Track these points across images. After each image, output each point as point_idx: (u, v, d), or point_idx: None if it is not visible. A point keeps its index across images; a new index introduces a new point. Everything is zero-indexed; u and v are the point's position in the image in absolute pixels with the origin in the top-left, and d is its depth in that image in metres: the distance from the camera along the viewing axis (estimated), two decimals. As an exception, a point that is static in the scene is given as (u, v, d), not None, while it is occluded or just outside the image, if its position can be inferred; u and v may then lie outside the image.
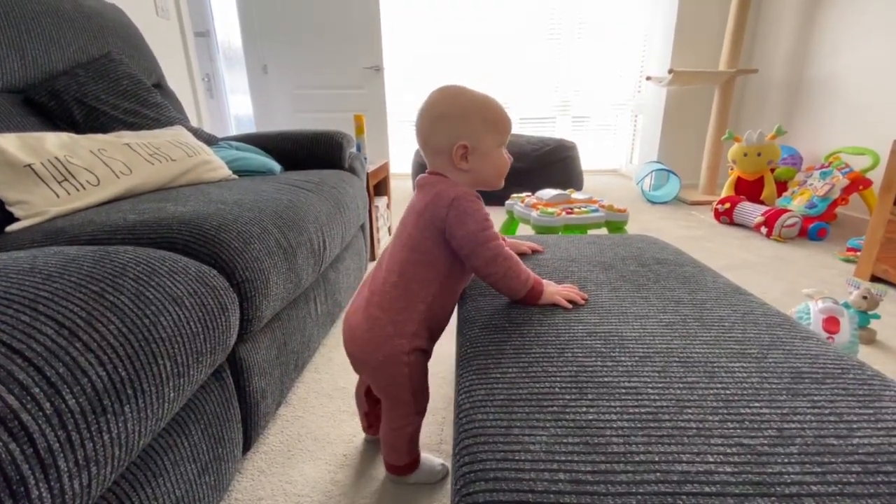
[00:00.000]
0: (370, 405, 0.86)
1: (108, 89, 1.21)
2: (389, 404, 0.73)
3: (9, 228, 0.80)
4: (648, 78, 3.16)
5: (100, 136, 1.02)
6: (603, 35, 3.97)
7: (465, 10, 3.89)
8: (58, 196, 0.86)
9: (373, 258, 1.91)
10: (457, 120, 0.64)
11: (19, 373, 0.37)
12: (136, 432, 0.46)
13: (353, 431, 0.92)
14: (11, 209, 0.82)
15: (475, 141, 0.64)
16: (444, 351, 0.77)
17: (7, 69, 1.06)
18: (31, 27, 1.12)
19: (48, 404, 0.38)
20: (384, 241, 2.21)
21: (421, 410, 0.74)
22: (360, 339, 0.69)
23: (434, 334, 0.72)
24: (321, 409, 0.99)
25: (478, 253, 0.62)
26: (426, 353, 0.71)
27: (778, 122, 2.76)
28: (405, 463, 0.77)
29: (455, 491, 0.37)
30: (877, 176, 2.14)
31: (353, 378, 1.10)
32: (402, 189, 3.56)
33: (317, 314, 1.11)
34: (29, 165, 0.85)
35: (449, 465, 0.81)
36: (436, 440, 0.89)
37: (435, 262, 0.66)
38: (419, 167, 3.19)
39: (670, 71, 2.78)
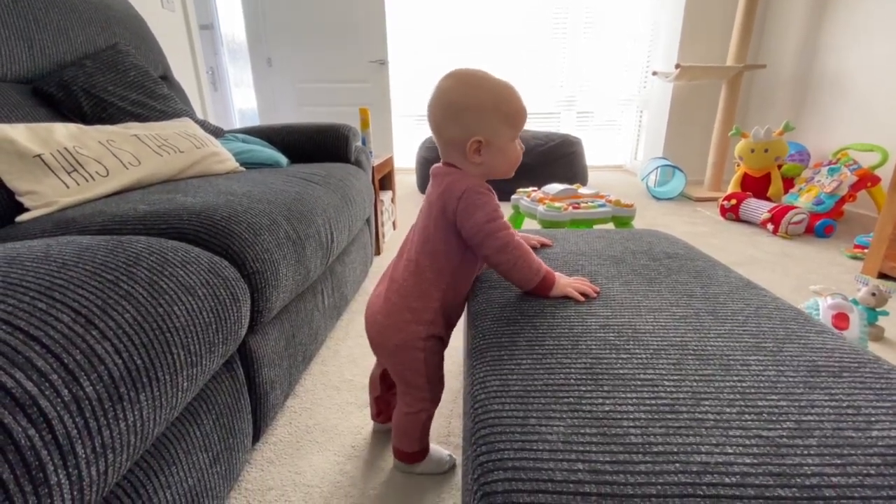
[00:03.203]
0: (383, 390, 0.86)
1: (115, 80, 1.20)
2: (404, 389, 0.74)
3: (19, 218, 0.80)
4: (655, 73, 3.14)
5: (108, 128, 1.02)
6: (609, 29, 3.93)
7: (470, 3, 3.86)
8: (67, 186, 0.86)
9: (378, 252, 1.91)
10: (472, 113, 0.61)
11: (38, 359, 0.37)
12: (150, 420, 0.46)
13: (360, 423, 0.92)
14: (21, 199, 0.82)
15: (490, 135, 0.62)
16: (451, 344, 0.78)
17: (15, 60, 1.06)
18: (40, 18, 1.11)
19: (66, 391, 0.38)
20: (389, 235, 2.21)
21: (435, 398, 0.75)
22: (380, 324, 0.71)
23: (450, 321, 0.73)
24: (329, 401, 0.99)
25: (487, 243, 0.63)
26: (442, 341, 0.73)
27: (786, 118, 2.74)
28: (415, 451, 0.77)
29: (473, 480, 0.37)
30: (885, 173, 2.13)
31: (359, 370, 1.10)
32: (407, 184, 3.55)
33: (324, 307, 1.11)
34: (38, 156, 0.85)
35: (457, 456, 0.82)
36: (444, 432, 0.89)
37: (447, 252, 0.67)
38: (424, 162, 3.18)
39: (677, 66, 2.76)
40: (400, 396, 0.75)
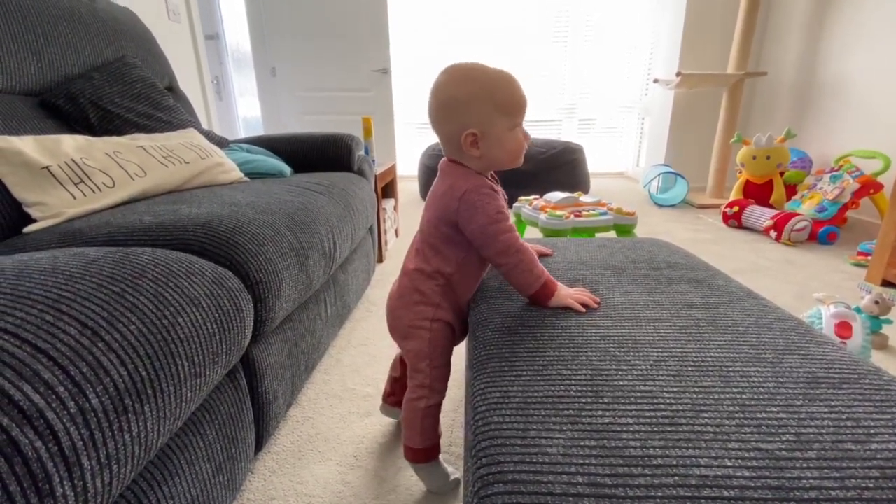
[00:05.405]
0: (402, 372, 0.88)
1: (122, 92, 1.22)
2: (410, 373, 0.75)
3: (26, 229, 0.81)
4: (656, 80, 3.15)
5: (114, 139, 1.04)
6: (610, 37, 3.96)
7: (472, 12, 3.90)
8: (74, 197, 0.87)
9: (381, 260, 1.92)
10: (464, 106, 0.62)
11: (44, 372, 0.38)
12: (155, 431, 0.47)
13: (363, 433, 0.93)
14: (29, 210, 0.84)
15: (485, 127, 0.62)
16: (453, 351, 0.78)
17: (24, 72, 1.08)
18: (48, 31, 1.13)
19: (72, 403, 0.38)
20: (392, 242, 2.22)
21: (436, 387, 0.73)
22: (393, 304, 0.76)
23: (459, 313, 0.75)
24: (331, 411, 0.99)
25: (488, 245, 0.64)
26: (451, 329, 0.74)
27: (787, 125, 2.74)
28: (417, 448, 0.75)
29: (472, 493, 0.38)
30: (888, 179, 2.13)
31: (361, 379, 1.11)
32: (410, 191, 3.57)
33: (326, 316, 1.12)
34: (46, 167, 0.86)
35: (460, 474, 0.81)
36: (446, 442, 0.89)
37: (450, 248, 0.69)
38: (426, 170, 3.19)
39: (678, 73, 2.77)
40: (408, 382, 0.76)
